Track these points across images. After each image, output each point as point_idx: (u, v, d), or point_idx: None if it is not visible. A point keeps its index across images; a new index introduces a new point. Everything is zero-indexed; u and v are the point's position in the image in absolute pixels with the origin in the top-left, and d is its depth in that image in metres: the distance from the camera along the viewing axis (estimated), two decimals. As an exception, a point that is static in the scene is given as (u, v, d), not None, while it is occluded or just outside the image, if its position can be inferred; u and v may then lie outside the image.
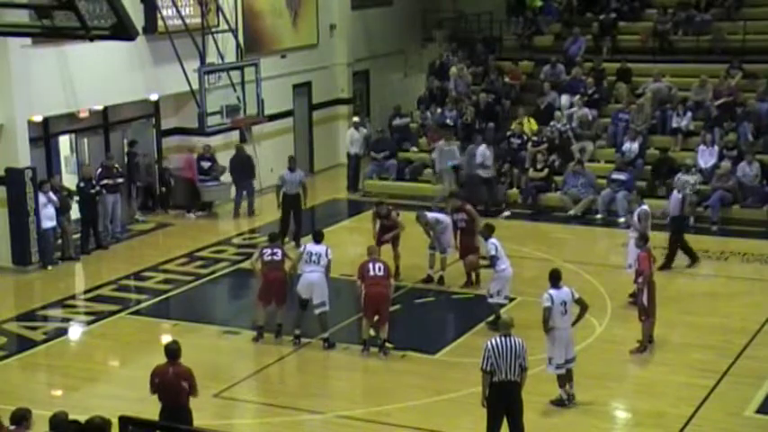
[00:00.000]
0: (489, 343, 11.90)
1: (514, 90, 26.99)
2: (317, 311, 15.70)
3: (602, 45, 27.40)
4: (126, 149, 23.12)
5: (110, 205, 21.43)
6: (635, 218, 17.57)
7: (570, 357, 13.60)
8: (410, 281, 18.58)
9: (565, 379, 13.63)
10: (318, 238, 16.08)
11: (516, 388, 11.91)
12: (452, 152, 24.19)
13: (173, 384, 11.49)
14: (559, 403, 13.60)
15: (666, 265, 18.90)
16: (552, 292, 13.43)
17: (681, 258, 19.38)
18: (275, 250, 16.04)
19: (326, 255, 15.67)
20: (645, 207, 17.63)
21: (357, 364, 15.51)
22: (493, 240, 16.22)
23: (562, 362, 13.51)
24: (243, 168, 23.41)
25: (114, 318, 17.48)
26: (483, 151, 23.54)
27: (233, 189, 23.70)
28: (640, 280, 15.32)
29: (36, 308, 18.16)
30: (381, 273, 15.37)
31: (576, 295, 13.69)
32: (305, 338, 15.93)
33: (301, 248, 16.34)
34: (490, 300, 16.20)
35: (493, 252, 16.08)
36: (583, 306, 13.79)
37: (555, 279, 13.59)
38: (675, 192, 19.80)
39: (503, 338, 11.88)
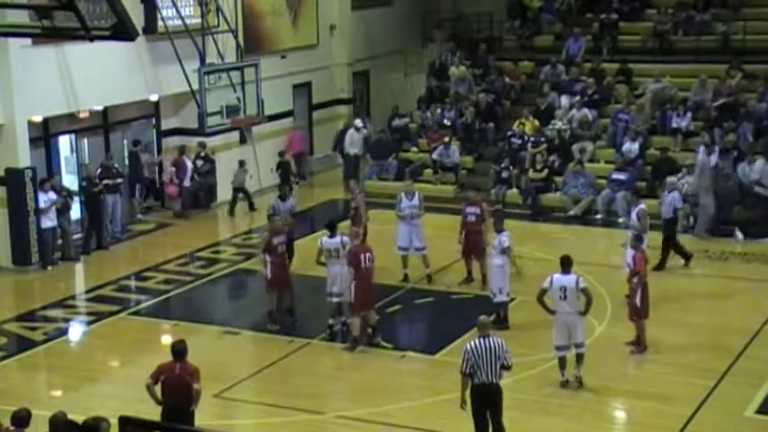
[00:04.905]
0: (468, 345, 11.87)
1: (514, 90, 26.99)
2: (335, 300, 15.93)
3: (602, 45, 27.39)
4: (129, 149, 23.15)
5: (110, 205, 21.42)
6: (633, 217, 17.56)
7: (576, 342, 13.91)
8: (411, 281, 18.57)
9: (565, 362, 13.96)
10: (333, 231, 16.10)
11: (497, 389, 11.86)
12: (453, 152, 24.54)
13: (179, 383, 11.47)
14: (563, 385, 13.96)
15: (660, 266, 18.92)
16: (555, 275, 13.80)
17: (677, 259, 19.37)
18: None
19: (343, 247, 15.77)
20: (642, 206, 17.63)
21: (357, 364, 15.50)
22: (506, 233, 16.27)
23: (562, 344, 13.87)
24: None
25: (114, 318, 17.48)
26: (762, 167, 21.63)
27: (338, 159, 26.71)
28: (635, 280, 15.32)
29: (36, 308, 18.16)
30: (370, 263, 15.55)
31: (582, 285, 13.90)
32: (306, 339, 15.97)
33: (319, 244, 16.25)
34: (494, 299, 16.21)
35: (507, 244, 16.16)
36: (587, 297, 13.92)
37: (565, 265, 13.95)
38: (666, 192, 19.60)
39: (481, 340, 11.79)
